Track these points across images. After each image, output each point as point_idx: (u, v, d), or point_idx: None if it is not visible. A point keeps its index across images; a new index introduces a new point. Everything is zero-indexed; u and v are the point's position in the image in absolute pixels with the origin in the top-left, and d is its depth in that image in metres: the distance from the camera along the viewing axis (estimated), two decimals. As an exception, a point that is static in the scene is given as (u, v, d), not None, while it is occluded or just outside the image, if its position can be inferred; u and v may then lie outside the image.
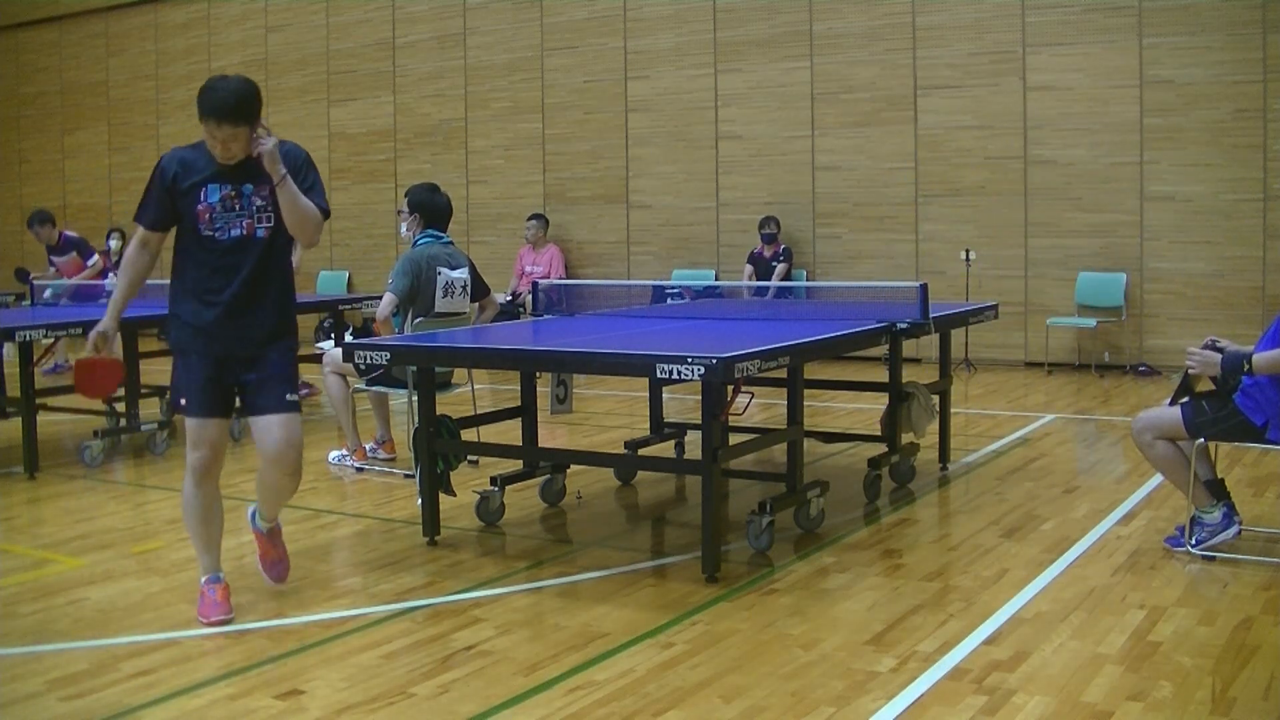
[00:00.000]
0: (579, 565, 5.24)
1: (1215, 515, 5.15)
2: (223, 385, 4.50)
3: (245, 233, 4.40)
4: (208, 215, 4.36)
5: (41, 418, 7.52)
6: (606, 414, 9.28)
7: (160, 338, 10.55)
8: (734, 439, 6.48)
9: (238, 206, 4.37)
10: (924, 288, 6.18)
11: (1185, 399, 5.15)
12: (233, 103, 4.21)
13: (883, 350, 6.61)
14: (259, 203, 4.40)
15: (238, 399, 4.59)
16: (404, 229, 7.15)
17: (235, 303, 4.41)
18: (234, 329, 4.44)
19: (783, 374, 5.60)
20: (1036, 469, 7.11)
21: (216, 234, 4.37)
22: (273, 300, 4.51)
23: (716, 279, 12.96)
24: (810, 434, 6.55)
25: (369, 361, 6.30)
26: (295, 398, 4.55)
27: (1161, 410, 5.20)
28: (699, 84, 13.33)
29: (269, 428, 4.48)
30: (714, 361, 4.55)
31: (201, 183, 4.36)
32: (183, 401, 4.50)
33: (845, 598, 4.71)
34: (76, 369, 4.76)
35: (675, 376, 4.65)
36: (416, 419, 5.87)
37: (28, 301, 10.20)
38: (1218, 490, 5.18)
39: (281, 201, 4.36)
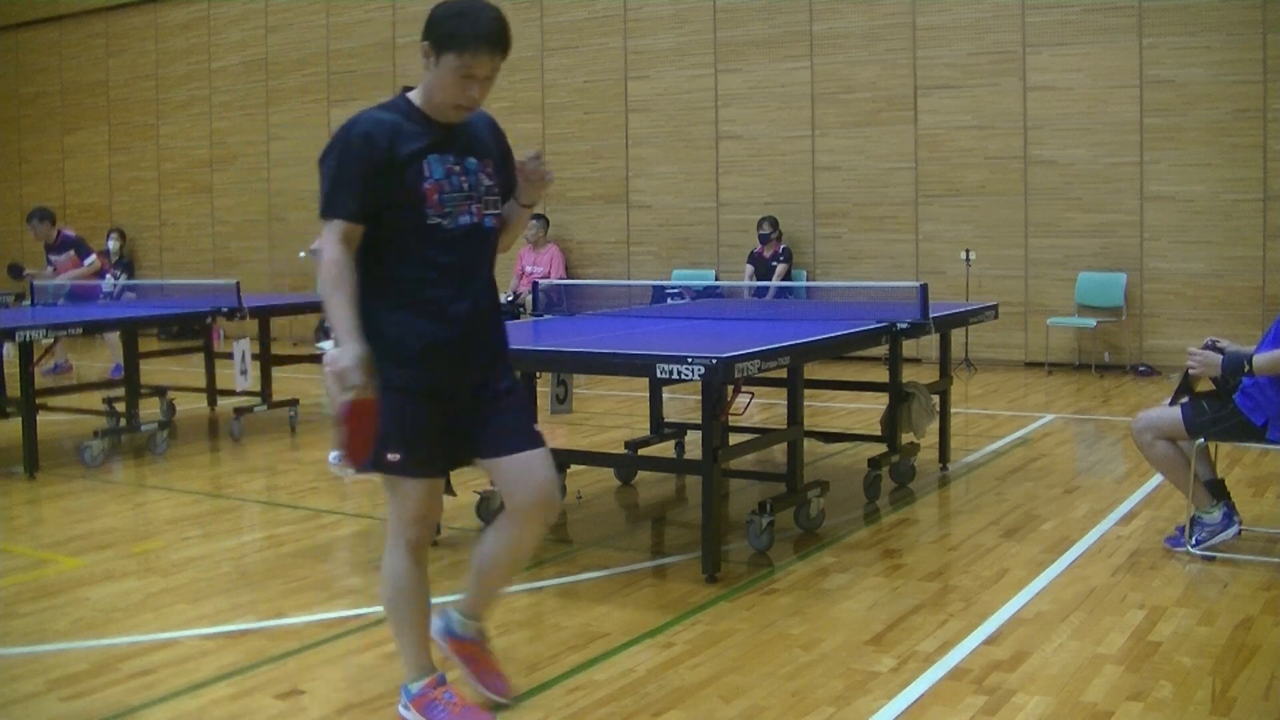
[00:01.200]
0: (579, 565, 5.24)
1: (1215, 515, 5.15)
2: (452, 430, 3.41)
3: (475, 219, 3.36)
4: (436, 196, 3.28)
5: (41, 418, 7.53)
6: (606, 414, 9.27)
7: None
8: (734, 439, 6.48)
9: (465, 185, 3.34)
10: (924, 288, 6.18)
11: (1185, 399, 5.16)
12: (504, 27, 3.22)
13: (883, 350, 6.61)
14: (486, 182, 3.40)
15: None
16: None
17: (471, 315, 3.37)
18: (468, 350, 3.40)
19: (783, 374, 5.60)
20: (1036, 469, 7.11)
21: (445, 221, 3.29)
22: (499, 310, 3.55)
23: (716, 279, 12.96)
24: (810, 434, 6.55)
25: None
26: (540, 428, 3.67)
27: (1161, 410, 5.20)
28: (699, 84, 13.33)
29: (529, 467, 3.43)
30: (714, 361, 4.55)
31: (422, 152, 3.28)
32: (395, 457, 3.30)
33: (845, 598, 4.71)
34: (349, 421, 3.16)
35: (675, 376, 4.65)
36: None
37: (27, 301, 10.19)
38: (1218, 490, 5.18)
39: (527, 176, 3.48)
